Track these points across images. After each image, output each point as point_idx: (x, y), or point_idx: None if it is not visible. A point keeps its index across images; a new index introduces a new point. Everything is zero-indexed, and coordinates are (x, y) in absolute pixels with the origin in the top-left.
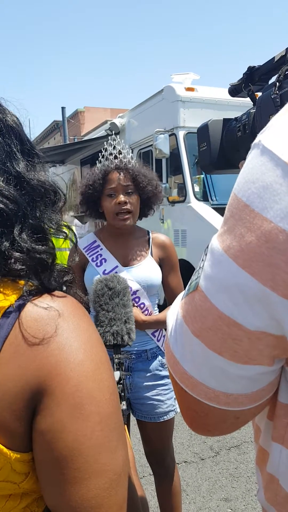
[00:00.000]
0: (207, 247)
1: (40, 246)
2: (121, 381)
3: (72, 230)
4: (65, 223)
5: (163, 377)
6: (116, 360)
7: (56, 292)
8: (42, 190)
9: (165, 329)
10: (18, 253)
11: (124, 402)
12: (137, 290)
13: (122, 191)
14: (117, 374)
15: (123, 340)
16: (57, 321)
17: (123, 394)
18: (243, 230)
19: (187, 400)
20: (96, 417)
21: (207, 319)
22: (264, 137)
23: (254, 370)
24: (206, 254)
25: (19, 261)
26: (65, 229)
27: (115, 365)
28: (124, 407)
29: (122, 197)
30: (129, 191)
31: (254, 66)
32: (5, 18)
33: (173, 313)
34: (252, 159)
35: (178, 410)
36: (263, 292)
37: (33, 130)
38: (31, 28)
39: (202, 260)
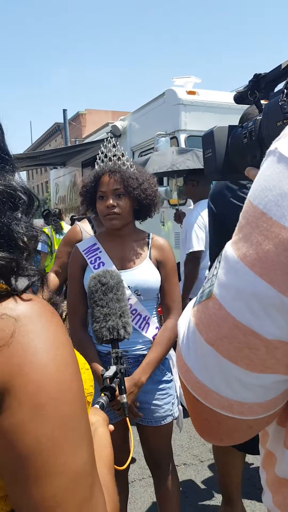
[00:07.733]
0: (220, 255)
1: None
2: (118, 375)
3: (46, 234)
4: (43, 228)
5: (160, 382)
6: (113, 355)
7: (24, 295)
8: (6, 195)
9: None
10: None
11: (124, 396)
12: (129, 298)
13: (111, 194)
14: (112, 369)
15: (119, 334)
16: (20, 324)
17: (123, 387)
18: (260, 238)
19: (199, 409)
20: (56, 418)
21: (222, 327)
22: (280, 144)
23: (269, 379)
24: (219, 262)
25: None
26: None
27: (112, 359)
28: (125, 400)
29: (110, 201)
30: (119, 194)
31: (260, 74)
32: (6, 19)
33: (185, 321)
34: (268, 166)
35: (176, 414)
36: (282, 300)
37: (35, 132)
38: (32, 31)
39: (215, 267)
